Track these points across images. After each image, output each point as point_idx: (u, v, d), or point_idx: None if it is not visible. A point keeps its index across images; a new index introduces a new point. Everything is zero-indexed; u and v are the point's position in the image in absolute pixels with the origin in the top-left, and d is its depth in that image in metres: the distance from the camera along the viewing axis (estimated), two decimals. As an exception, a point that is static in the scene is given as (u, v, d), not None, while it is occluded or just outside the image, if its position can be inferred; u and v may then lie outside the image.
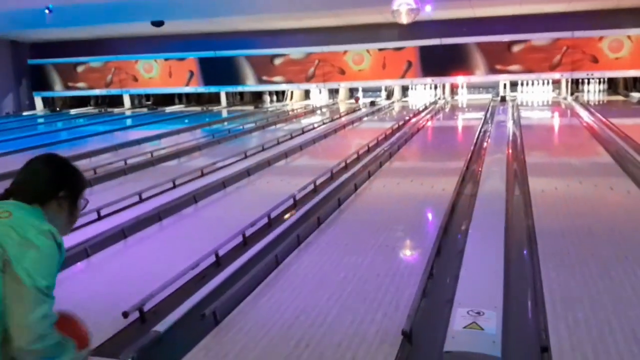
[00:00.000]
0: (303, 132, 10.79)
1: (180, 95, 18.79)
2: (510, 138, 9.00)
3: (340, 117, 13.34)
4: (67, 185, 1.83)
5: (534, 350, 2.69)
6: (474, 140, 8.81)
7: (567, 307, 3.11)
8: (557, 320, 2.94)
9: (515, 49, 14.75)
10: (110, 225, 4.87)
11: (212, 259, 3.99)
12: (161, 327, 3.01)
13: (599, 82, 15.70)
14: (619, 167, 6.69)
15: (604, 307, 3.11)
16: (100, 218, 5.13)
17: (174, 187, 6.37)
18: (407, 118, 12.09)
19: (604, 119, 10.33)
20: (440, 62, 15.31)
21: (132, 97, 18.54)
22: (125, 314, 3.12)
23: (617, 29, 13.97)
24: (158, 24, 13.14)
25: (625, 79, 15.53)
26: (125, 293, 3.45)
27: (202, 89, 17.58)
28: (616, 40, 14.15)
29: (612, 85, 15.84)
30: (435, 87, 16.56)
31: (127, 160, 7.97)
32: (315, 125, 11.81)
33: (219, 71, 16.97)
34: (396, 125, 10.89)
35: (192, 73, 17.24)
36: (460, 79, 15.85)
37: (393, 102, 16.37)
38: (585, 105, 13.03)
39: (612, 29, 14.01)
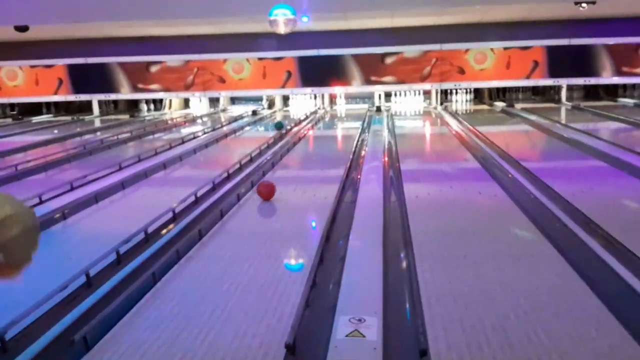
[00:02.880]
0: (183, 142, 10.50)
1: (48, 105, 17.61)
2: (386, 146, 9.33)
3: (222, 126, 13.16)
4: None
5: (413, 354, 2.77)
6: (353, 149, 9.04)
7: (442, 308, 3.24)
8: (433, 322, 3.05)
9: (388, 60, 15.37)
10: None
11: (83, 279, 3.72)
12: (25, 357, 2.76)
13: (466, 92, 16.77)
14: (485, 172, 7.15)
15: (477, 305, 3.27)
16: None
17: (41, 202, 5.92)
18: (288, 127, 12.17)
19: (471, 127, 11.03)
20: (318, 73, 15.60)
21: (-6, 106, 17.10)
22: (-19, 346, 2.83)
23: (482, 42, 15.02)
24: (22, 28, 12.18)
25: (490, 89, 16.73)
26: (-17, 322, 3.13)
27: (72, 97, 16.58)
28: (480, 52, 15.20)
29: (478, 95, 16.98)
30: (315, 97, 16.86)
31: (-14, 175, 7.31)
32: (196, 134, 11.55)
33: (90, 78, 16.10)
34: (278, 135, 10.92)
35: (61, 80, 16.22)
36: (338, 90, 16.25)
37: (275, 112, 16.43)
38: (454, 114, 13.85)
39: (477, 42, 15.04)
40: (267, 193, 6.06)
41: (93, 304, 3.38)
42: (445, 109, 15.41)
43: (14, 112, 17.41)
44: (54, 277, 3.75)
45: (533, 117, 12.43)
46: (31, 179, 7.63)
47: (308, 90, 16.14)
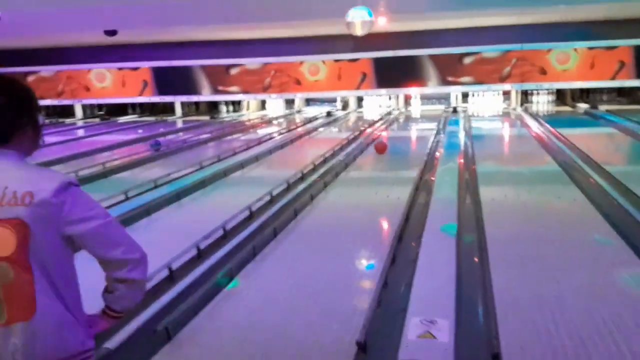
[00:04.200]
0: (259, 143, 10.76)
1: (133, 105, 18.50)
2: (462, 148, 9.19)
3: (297, 127, 13.37)
4: (24, 108, 1.60)
5: (486, 358, 2.75)
6: (427, 150, 8.96)
7: (516, 313, 3.19)
8: (507, 326, 3.01)
9: (467, 60, 15.10)
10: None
11: (165, 272, 3.93)
12: (111, 344, 2.94)
13: (548, 93, 16.21)
14: (566, 175, 6.91)
15: (552, 311, 3.20)
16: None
17: (127, 199, 6.26)
18: (362, 128, 12.21)
19: (552, 129, 10.67)
20: (394, 74, 15.53)
21: (84, 107, 18.12)
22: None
23: (564, 42, 14.47)
24: (111, 33, 12.89)
25: (572, 90, 16.09)
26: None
27: (156, 99, 17.33)
28: (563, 52, 14.65)
29: (560, 96, 16.37)
30: (390, 98, 16.80)
31: (78, 172, 7.79)
32: (272, 135, 11.81)
33: (173, 81, 16.77)
34: (352, 136, 10.98)
35: (146, 82, 16.99)
36: (414, 90, 16.11)
37: (349, 113, 16.51)
38: (534, 116, 13.43)
39: (560, 42, 14.51)
40: (381, 148, 8.85)
41: (175, 296, 3.55)
42: (526, 110, 14.96)
43: (102, 112, 18.40)
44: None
45: (618, 120, 11.85)
46: (117, 176, 8.06)
47: (383, 91, 16.10)
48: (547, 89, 15.76)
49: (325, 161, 8.39)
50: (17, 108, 1.59)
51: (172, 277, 3.94)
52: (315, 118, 15.22)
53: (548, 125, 11.24)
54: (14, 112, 1.57)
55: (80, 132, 14.66)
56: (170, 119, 16.90)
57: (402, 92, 16.30)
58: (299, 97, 17.16)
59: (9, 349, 1.48)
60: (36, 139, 1.67)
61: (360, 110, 17.02)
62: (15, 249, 1.48)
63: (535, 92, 16.07)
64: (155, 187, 6.91)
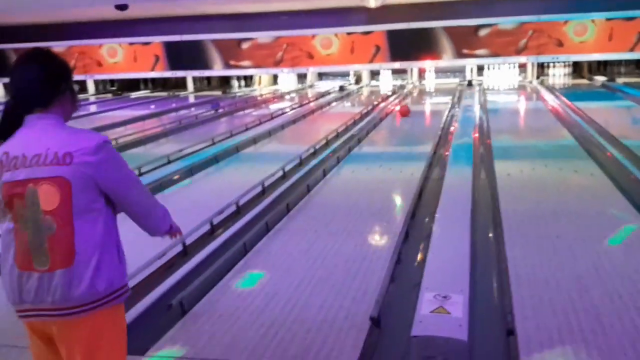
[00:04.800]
0: (272, 118, 10.72)
1: (145, 81, 18.48)
2: (477, 122, 9.08)
3: (310, 102, 13.29)
4: (62, 76, 1.79)
5: (500, 333, 2.73)
6: (441, 125, 8.87)
7: (532, 289, 3.16)
8: (522, 302, 2.99)
9: (482, 33, 14.85)
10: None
11: (180, 248, 3.94)
12: (127, 318, 2.95)
13: (564, 66, 15.95)
14: (583, 150, 6.82)
15: (568, 288, 3.17)
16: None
17: (140, 175, 6.26)
18: (375, 103, 12.11)
19: (568, 102, 10.51)
20: (408, 47, 15.32)
21: (96, 82, 18.16)
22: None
23: (582, 13, 14.16)
24: (122, 7, 12.81)
25: (590, 63, 15.81)
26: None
27: (168, 74, 17.30)
28: (580, 24, 14.35)
29: (577, 68, 16.11)
30: (404, 72, 16.62)
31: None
32: (284, 110, 11.75)
33: (185, 55, 16.70)
34: (365, 110, 10.90)
35: (157, 57, 16.94)
36: (428, 64, 15.91)
37: (362, 87, 16.37)
38: (551, 89, 13.24)
39: (577, 13, 14.19)
40: (405, 111, 10.07)
41: (189, 271, 3.56)
42: (542, 83, 14.74)
43: (114, 88, 18.43)
44: (153, 245, 3.97)
45: (636, 93, 11.63)
46: (131, 151, 8.08)
47: (396, 65, 15.91)
48: (564, 62, 15.51)
49: (337, 136, 8.35)
50: (56, 76, 1.77)
51: (186, 252, 3.95)
52: (327, 92, 15.11)
53: (564, 99, 11.07)
54: (54, 80, 1.76)
55: (93, 108, 14.68)
56: (182, 94, 16.87)
57: (416, 65, 16.11)
58: (311, 71, 17.02)
59: (51, 291, 1.67)
60: (73, 104, 1.85)
61: (375, 84, 16.87)
62: (58, 204, 1.66)
63: (551, 64, 15.82)
64: (169, 162, 6.92)
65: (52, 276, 1.67)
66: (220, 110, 10.44)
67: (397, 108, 11.04)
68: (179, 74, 17.29)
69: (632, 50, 14.28)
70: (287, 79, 17.67)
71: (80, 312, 1.70)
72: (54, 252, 1.67)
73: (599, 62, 15.78)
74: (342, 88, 15.86)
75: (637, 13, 13.90)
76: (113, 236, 1.79)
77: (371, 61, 15.80)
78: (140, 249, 3.96)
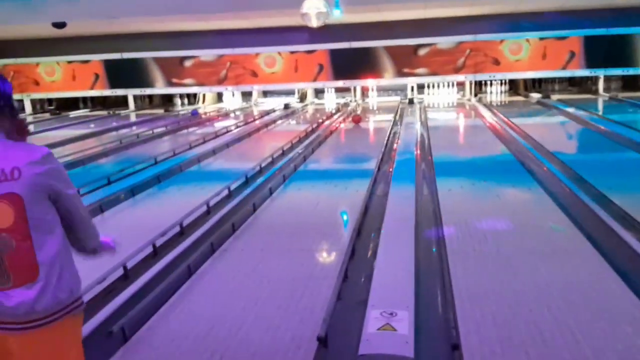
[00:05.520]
0: (216, 136, 10.62)
1: (85, 99, 18.01)
2: (419, 139, 9.27)
3: (255, 120, 13.25)
4: (0, 93, 1.77)
5: (445, 348, 2.77)
6: (385, 142, 9.01)
7: (474, 303, 3.23)
8: (466, 317, 3.04)
9: (421, 52, 15.24)
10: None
11: (120, 271, 3.82)
12: (65, 347, 2.84)
13: (501, 84, 16.53)
14: (520, 165, 7.05)
15: (509, 301, 3.25)
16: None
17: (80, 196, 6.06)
18: (320, 121, 12.19)
19: (505, 119, 10.87)
20: (350, 65, 15.56)
21: (33, 101, 17.54)
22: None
23: (517, 32, 14.76)
24: (60, 25, 12.46)
25: (525, 80, 16.45)
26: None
27: (108, 92, 16.92)
28: (515, 43, 14.94)
29: (513, 86, 16.72)
30: (347, 90, 16.85)
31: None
32: (229, 128, 11.67)
33: (126, 73, 16.40)
34: (310, 128, 10.95)
35: (97, 76, 16.56)
36: (370, 82, 16.18)
37: (306, 105, 16.47)
38: (488, 106, 13.67)
39: (512, 32, 14.79)
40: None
41: (130, 295, 3.46)
42: (480, 100, 15.21)
43: (52, 107, 17.85)
44: (92, 269, 3.85)
45: (569, 109, 12.17)
46: (69, 173, 7.79)
47: (340, 83, 16.11)
48: (501, 80, 16.07)
49: (283, 154, 8.34)
50: None
51: (127, 275, 3.84)
52: (273, 110, 15.12)
53: (502, 115, 11.46)
54: None
55: (31, 128, 14.11)
56: (123, 112, 16.53)
57: (359, 83, 16.35)
58: (255, 89, 17.01)
59: (15, 307, 1.67)
60: (14, 120, 1.81)
61: (318, 102, 17.01)
62: (14, 220, 1.66)
63: (489, 82, 16.35)
64: (109, 182, 6.74)
65: (15, 293, 1.66)
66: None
67: (349, 120, 11.29)
68: (120, 92, 16.94)
69: (564, 68, 14.97)
70: (232, 97, 17.58)
71: (45, 324, 1.70)
72: (15, 269, 1.67)
73: (534, 80, 16.45)
74: (287, 106, 15.90)
75: (568, 33, 14.60)
76: (68, 246, 1.82)
77: (315, 80, 15.94)
78: (79, 273, 3.83)
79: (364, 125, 12.91)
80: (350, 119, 11.92)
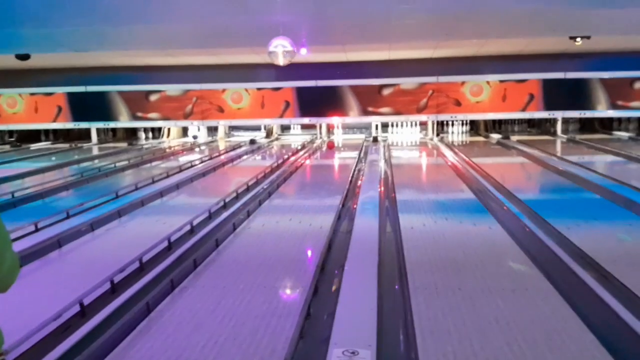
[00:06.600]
0: (180, 170, 10.54)
1: (47, 132, 17.71)
2: (382, 176, 9.37)
3: (220, 154, 13.22)
4: None
5: (406, 386, 2.76)
6: (349, 179, 9.08)
7: (436, 340, 3.24)
8: (427, 354, 3.05)
9: (386, 92, 15.55)
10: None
11: (77, 308, 3.72)
12: (16, 388, 2.74)
13: (462, 124, 16.91)
14: (480, 204, 7.18)
15: (471, 339, 3.27)
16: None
17: (37, 230, 5.92)
18: (286, 156, 12.23)
19: (466, 159, 11.10)
20: (316, 103, 15.76)
21: (-7, 133, 17.19)
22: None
23: (477, 75, 15.23)
24: (23, 57, 12.29)
25: (486, 122, 16.88)
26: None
27: (70, 125, 16.69)
28: (476, 85, 15.38)
29: (474, 126, 17.13)
30: (313, 127, 17.02)
31: (-17, 202, 7.32)
32: (194, 163, 11.60)
33: (89, 107, 16.24)
34: (275, 164, 10.97)
35: (60, 108, 16.34)
36: (336, 120, 16.38)
37: (272, 141, 16.53)
38: (450, 146, 13.95)
39: (473, 75, 15.25)
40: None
41: (87, 333, 3.36)
42: (442, 140, 15.52)
43: (13, 139, 17.49)
44: (48, 305, 3.74)
45: (528, 150, 12.51)
46: (28, 206, 7.64)
47: (306, 120, 16.27)
48: (462, 120, 16.46)
49: (248, 189, 8.32)
50: None
51: (84, 312, 3.73)
52: (239, 145, 15.12)
53: (463, 155, 11.70)
54: None
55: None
56: (85, 145, 16.29)
57: (324, 121, 16.54)
58: (221, 125, 17.03)
59: None
60: None
61: (284, 138, 17.10)
62: None
63: (450, 122, 16.72)
64: (68, 217, 6.59)
65: None
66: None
67: (316, 156, 11.28)
68: (83, 125, 16.74)
69: (523, 110, 15.44)
70: (198, 132, 17.53)
71: None
72: None
73: (494, 121, 16.90)
74: (252, 141, 15.93)
75: (527, 76, 15.13)
76: None
77: (281, 116, 16.06)
78: (33, 309, 3.73)
79: (328, 162, 13.04)
80: (325, 148, 11.86)
